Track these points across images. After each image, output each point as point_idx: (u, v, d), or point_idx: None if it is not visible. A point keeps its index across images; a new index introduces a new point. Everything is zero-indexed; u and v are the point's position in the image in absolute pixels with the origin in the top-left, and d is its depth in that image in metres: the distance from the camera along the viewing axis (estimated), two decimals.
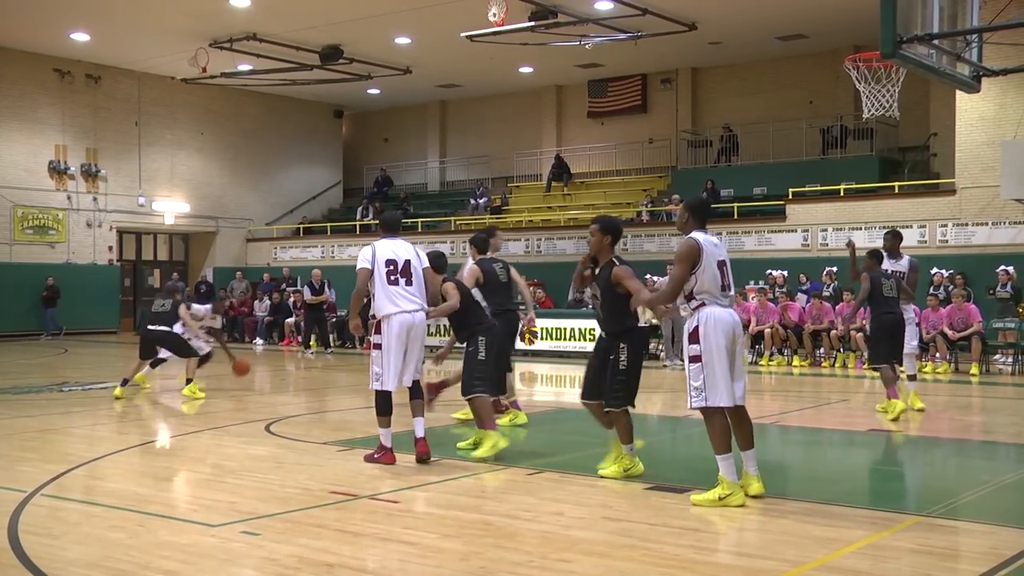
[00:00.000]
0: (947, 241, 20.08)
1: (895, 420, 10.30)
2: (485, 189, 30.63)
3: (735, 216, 23.46)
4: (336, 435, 9.66)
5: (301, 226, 31.90)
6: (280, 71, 27.17)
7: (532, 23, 21.65)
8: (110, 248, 29.15)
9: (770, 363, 18.42)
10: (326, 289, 23.29)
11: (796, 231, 22.09)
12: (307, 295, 22.82)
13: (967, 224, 20.05)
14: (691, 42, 24.94)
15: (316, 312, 22.84)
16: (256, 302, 26.41)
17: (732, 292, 6.71)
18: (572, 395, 12.53)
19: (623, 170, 29.98)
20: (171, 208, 30.26)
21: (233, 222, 31.69)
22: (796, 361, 18.16)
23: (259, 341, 25.11)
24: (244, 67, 27.24)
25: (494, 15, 20.53)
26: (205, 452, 8.82)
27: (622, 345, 7.24)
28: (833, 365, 17.42)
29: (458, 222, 28.99)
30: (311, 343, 23.05)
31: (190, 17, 23.35)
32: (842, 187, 22.42)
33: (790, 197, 22.62)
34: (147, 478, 7.74)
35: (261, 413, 11.38)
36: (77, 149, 28.37)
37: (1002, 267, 17.99)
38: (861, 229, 21.20)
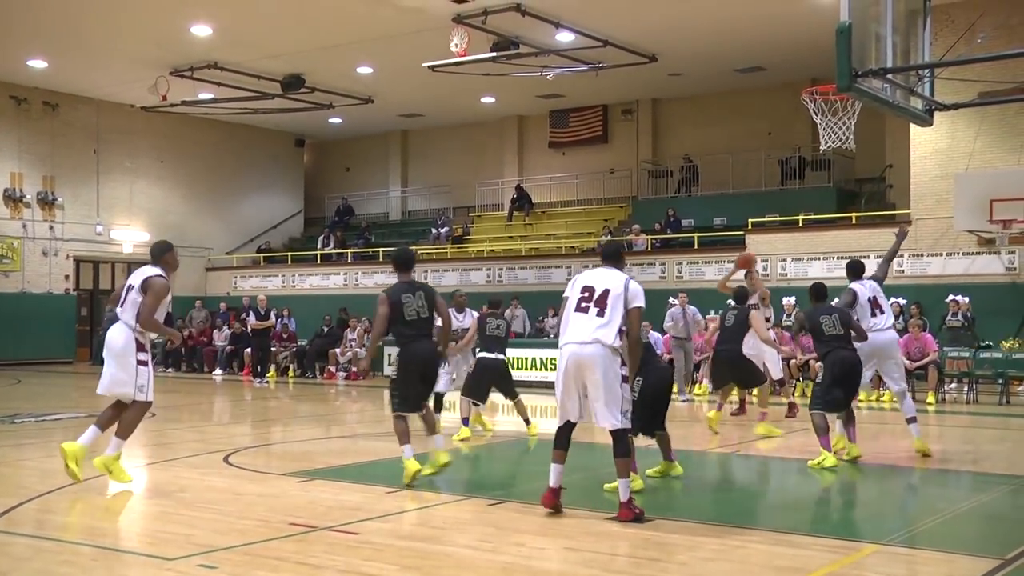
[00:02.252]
0: (903, 271, 20.35)
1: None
2: (447, 218, 30.64)
3: (695, 246, 23.64)
4: (296, 466, 9.57)
5: (261, 255, 31.71)
6: (241, 100, 27.07)
7: (494, 54, 21.77)
8: (66, 277, 28.79)
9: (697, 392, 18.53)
10: (272, 315, 23.18)
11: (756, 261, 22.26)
12: (251, 321, 22.69)
13: (922, 255, 20.35)
14: (651, 74, 25.20)
15: (260, 339, 22.69)
16: (215, 331, 26.20)
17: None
18: (533, 425, 12.51)
19: (584, 200, 30.14)
20: (130, 237, 29.97)
21: (193, 251, 31.41)
22: (755, 390, 18.22)
23: (219, 371, 24.88)
24: (205, 95, 27.11)
25: (456, 45, 20.64)
26: (161, 484, 8.70)
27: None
28: (792, 394, 17.52)
29: (419, 252, 28.92)
30: (269, 372, 22.89)
31: (150, 45, 23.25)
32: (801, 217, 22.68)
33: (750, 227, 22.84)
34: (101, 511, 7.61)
35: (219, 444, 11.26)
36: (33, 177, 28.06)
37: (951, 296, 18.29)
38: (820, 259, 21.45)
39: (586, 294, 7.01)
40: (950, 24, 16.51)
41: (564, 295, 7.24)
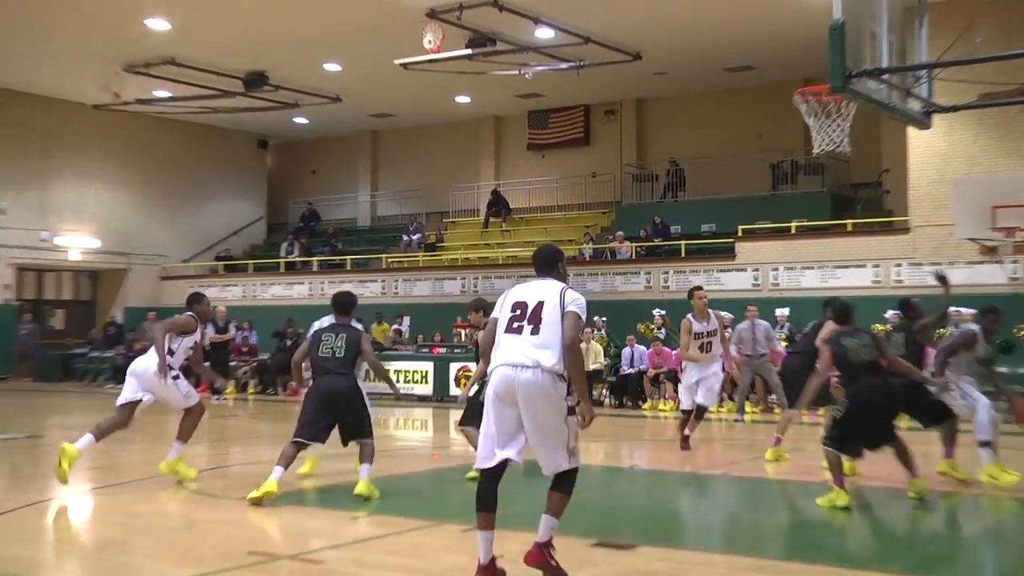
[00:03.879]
0: (901, 281, 20.48)
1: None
2: (419, 225, 30.62)
3: (682, 254, 23.71)
4: (251, 489, 9.48)
5: (221, 263, 31.55)
6: (200, 98, 26.98)
7: (470, 51, 21.78)
8: (6, 286, 28.53)
9: (720, 410, 18.56)
10: (231, 328, 23.06)
11: (746, 270, 22.39)
12: (210, 333, 22.55)
13: (921, 264, 20.46)
14: (636, 72, 25.29)
15: (219, 353, 22.57)
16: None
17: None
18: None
19: (565, 205, 30.18)
20: (78, 243, 29.76)
21: (146, 258, 31.24)
22: (748, 408, 18.32)
23: None
24: (161, 94, 27.00)
25: (429, 42, 20.63)
26: (109, 510, 8.62)
27: None
28: (766, 411, 17.60)
29: (390, 260, 28.90)
30: (227, 389, 22.77)
31: (103, 40, 23.13)
32: (793, 224, 22.80)
33: (740, 235, 22.93)
34: (42, 542, 7.52)
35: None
36: None
37: (953, 308, 18.36)
38: (813, 268, 21.57)
39: (517, 311, 6.09)
40: (948, 23, 16.62)
41: (491, 315, 6.32)
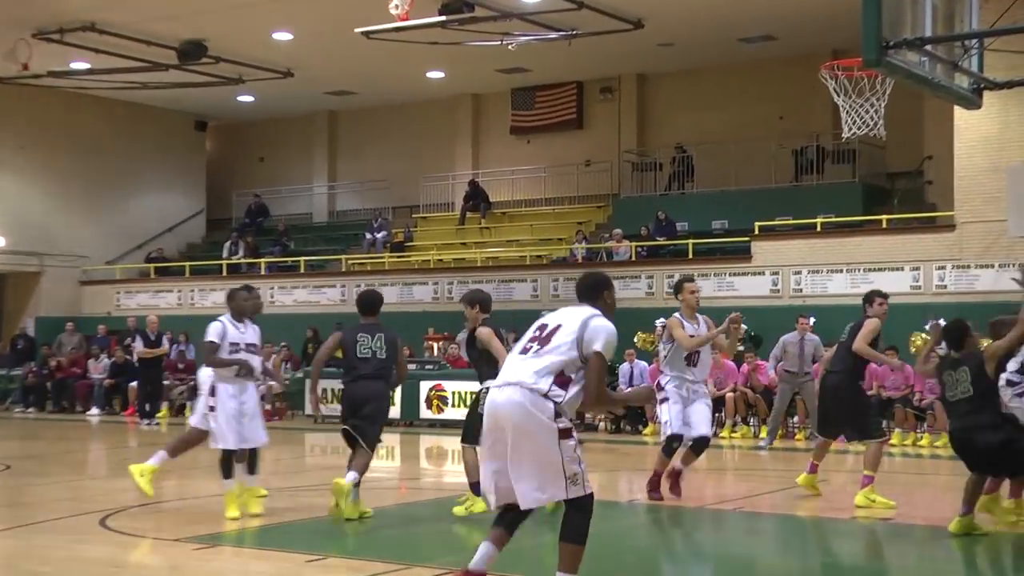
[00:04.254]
0: (945, 286, 20.53)
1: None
2: (384, 221, 30.54)
3: (690, 255, 23.72)
4: (194, 529, 9.45)
5: (152, 266, 31.42)
6: (126, 71, 26.84)
7: (443, 17, 21.74)
8: None
9: (732, 435, 18.59)
10: (164, 341, 22.97)
11: (764, 273, 22.41)
12: (139, 347, 22.48)
13: (969, 266, 20.53)
14: (637, 43, 25.28)
15: (150, 370, 22.46)
16: (91, 361, 25.91)
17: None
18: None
19: (554, 199, 30.17)
20: None
21: (63, 260, 31.05)
22: (764, 432, 18.35)
23: (95, 411, 24.59)
24: (80, 65, 26.84)
25: (396, 7, 20.55)
26: (17, 555, 8.54)
27: None
28: (809, 437, 17.64)
29: (350, 261, 28.81)
30: (160, 411, 22.66)
31: None
32: (819, 220, 22.83)
33: (756, 233, 22.95)
34: None
35: (96, 502, 11.07)
36: None
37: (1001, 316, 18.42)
38: (842, 272, 21.61)
39: (538, 333, 6.46)
40: None
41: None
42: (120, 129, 32.29)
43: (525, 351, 6.37)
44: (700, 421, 10.98)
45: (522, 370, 6.25)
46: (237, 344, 10.26)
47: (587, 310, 6.49)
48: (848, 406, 10.84)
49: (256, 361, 10.38)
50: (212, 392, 10.13)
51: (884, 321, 10.98)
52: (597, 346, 6.26)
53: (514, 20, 22.80)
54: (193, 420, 11.00)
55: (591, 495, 6.21)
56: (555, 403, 6.14)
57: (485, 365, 9.62)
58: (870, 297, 11.09)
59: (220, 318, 10.44)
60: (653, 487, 11.06)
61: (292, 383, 23.20)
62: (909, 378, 17.81)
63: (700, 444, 11.04)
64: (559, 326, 6.39)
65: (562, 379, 6.24)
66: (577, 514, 6.16)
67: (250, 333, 10.44)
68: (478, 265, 26.65)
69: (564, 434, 6.10)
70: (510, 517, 6.37)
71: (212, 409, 10.10)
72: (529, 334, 6.51)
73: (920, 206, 24.03)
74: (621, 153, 29.53)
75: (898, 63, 9.17)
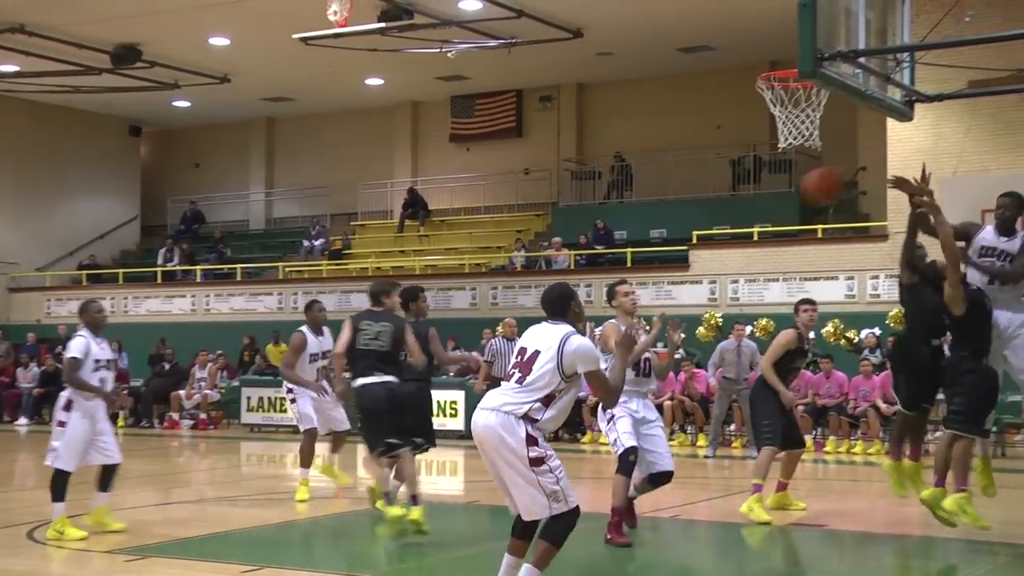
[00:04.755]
0: (879, 295, 20.79)
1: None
2: (322, 228, 30.43)
3: (628, 264, 23.85)
4: (125, 540, 9.38)
5: (84, 272, 31.04)
6: (58, 75, 26.54)
7: (382, 24, 21.72)
8: None
9: (670, 443, 18.65)
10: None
11: (702, 282, 22.59)
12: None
13: None
14: (576, 52, 25.41)
15: None
16: (20, 370, 25.56)
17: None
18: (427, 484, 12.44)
19: (493, 206, 30.20)
20: None
21: None
22: (702, 441, 18.47)
23: (24, 420, 24.24)
24: (7, 68, 26.49)
25: (335, 13, 20.50)
26: None
27: None
28: (746, 445, 17.79)
29: (288, 269, 28.65)
30: None
31: None
32: (756, 230, 23.06)
33: (695, 241, 23.14)
34: None
35: (22, 514, 10.93)
36: None
37: None
38: (779, 280, 21.84)
39: (518, 359, 6.71)
40: None
41: None
42: (51, 134, 31.89)
43: (509, 377, 6.67)
44: (664, 453, 9.77)
45: (503, 397, 6.58)
46: (100, 360, 9.85)
47: (559, 330, 6.67)
48: (753, 413, 11.23)
49: (110, 377, 10.04)
50: (67, 407, 9.64)
51: (811, 328, 11.08)
52: (582, 369, 6.55)
53: (453, 28, 22.83)
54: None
55: (575, 509, 6.53)
56: (531, 425, 6.47)
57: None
58: (797, 306, 11.18)
59: (80, 333, 9.88)
60: (616, 531, 9.34)
61: (227, 392, 23.06)
62: (843, 386, 18.03)
63: (662, 479, 9.82)
64: (536, 352, 6.61)
65: (545, 399, 6.56)
66: (561, 520, 6.50)
67: (107, 348, 10.09)
68: (417, 273, 26.60)
69: (535, 462, 6.42)
70: (523, 525, 6.69)
71: (62, 425, 9.63)
72: (513, 358, 6.77)
73: (855, 217, 24.34)
74: (560, 162, 29.65)
75: (833, 75, 9.28)
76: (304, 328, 11.72)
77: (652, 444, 9.63)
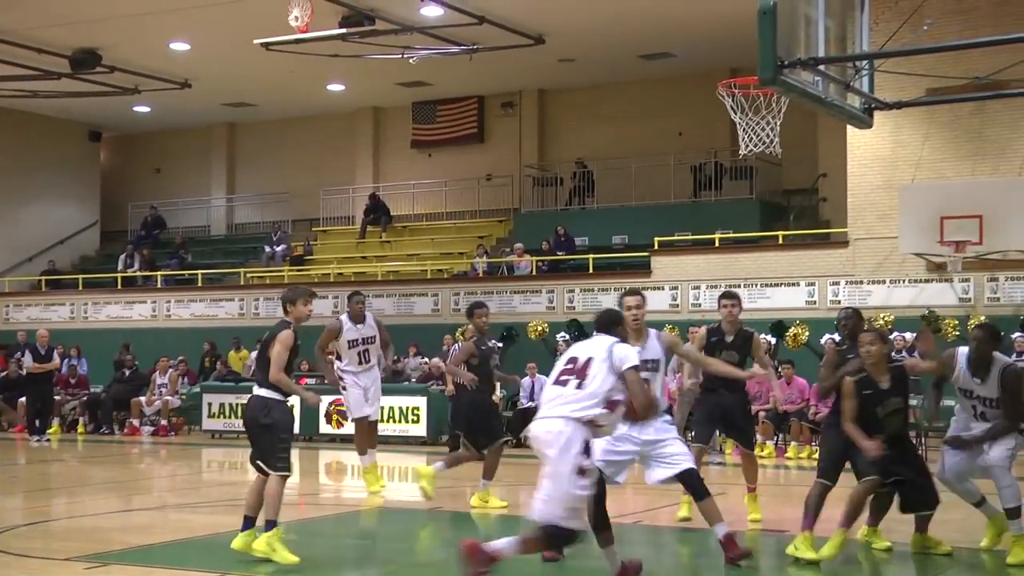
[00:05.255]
0: (839, 301, 20.92)
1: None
2: (283, 234, 30.35)
3: (590, 270, 23.91)
4: (85, 548, 9.31)
5: (43, 278, 30.81)
6: (16, 79, 26.33)
7: (344, 30, 21.70)
8: None
9: None
10: (55, 355, 22.51)
11: (663, 288, 22.67)
12: (28, 362, 22.02)
13: (862, 282, 21.00)
14: (538, 59, 25.48)
15: (39, 385, 22.02)
16: None
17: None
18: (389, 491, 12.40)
19: (455, 212, 30.23)
20: None
21: None
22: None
23: None
24: None
25: (296, 19, 20.48)
26: None
27: None
28: (720, 450, 17.85)
29: (249, 275, 28.53)
30: (51, 428, 22.20)
31: None
32: (717, 236, 23.19)
33: (656, 248, 23.24)
34: None
35: None
36: None
37: (896, 333, 18.87)
38: (740, 286, 21.90)
39: (570, 366, 7.25)
40: (893, 6, 17.16)
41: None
42: (9, 139, 31.64)
43: (563, 383, 7.15)
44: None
45: (567, 404, 7.04)
46: None
47: (607, 339, 7.40)
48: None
49: None
50: None
51: (733, 322, 10.97)
52: (628, 364, 7.16)
53: (415, 34, 22.83)
54: None
55: (582, 531, 7.04)
56: (590, 432, 7.01)
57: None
58: (718, 300, 11.29)
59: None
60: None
61: (188, 398, 22.93)
62: (804, 392, 18.13)
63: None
64: (590, 359, 7.21)
65: (610, 404, 7.10)
66: (563, 534, 6.93)
67: None
68: (379, 279, 26.57)
69: (581, 473, 6.86)
70: (597, 518, 7.67)
71: None
72: (561, 367, 7.29)
73: (815, 223, 24.53)
74: (522, 168, 29.70)
75: (793, 82, 9.35)
76: (343, 317, 13.16)
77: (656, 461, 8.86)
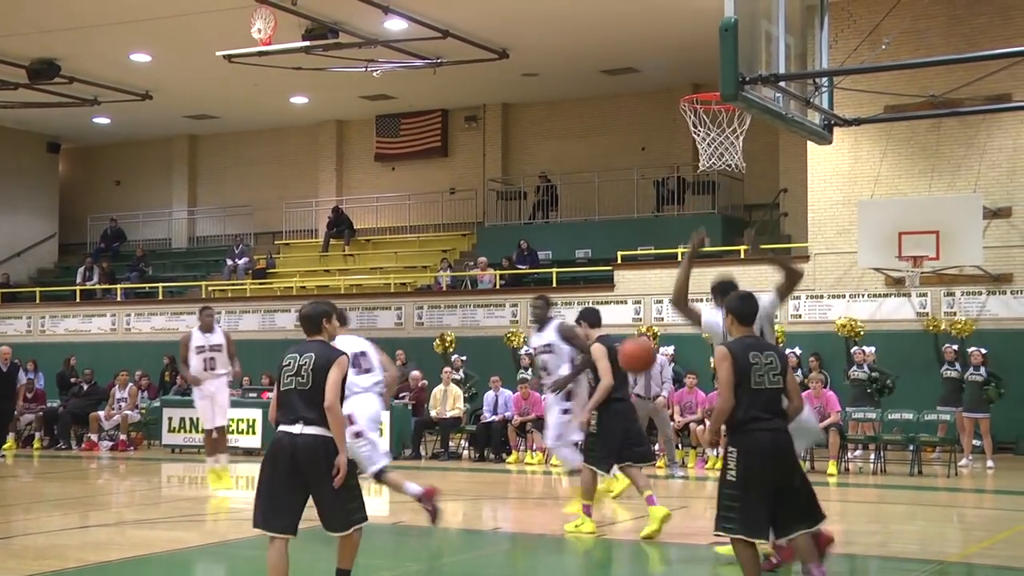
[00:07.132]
0: (800, 316, 21.10)
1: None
2: (246, 247, 30.23)
3: (554, 284, 23.96)
4: (39, 565, 9.25)
5: (0, 291, 30.55)
6: None
7: (307, 43, 21.67)
8: None
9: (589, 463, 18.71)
10: (21, 373, 22.22)
11: (626, 302, 22.75)
12: None
13: (822, 296, 21.16)
14: (502, 73, 25.56)
15: (1, 401, 21.74)
16: None
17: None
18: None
19: (418, 226, 30.23)
20: None
21: None
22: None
23: None
24: None
25: (259, 31, 20.45)
26: None
27: None
28: (668, 465, 17.87)
29: (210, 288, 28.39)
30: (6, 443, 21.95)
31: None
32: (680, 250, 23.25)
33: (619, 262, 23.32)
34: None
35: None
36: None
37: (855, 348, 18.98)
38: (702, 300, 21.96)
39: None
40: (852, 25, 17.35)
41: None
42: None
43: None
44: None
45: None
46: None
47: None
48: None
49: None
50: None
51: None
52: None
53: (379, 47, 22.85)
54: None
55: None
56: None
57: None
58: None
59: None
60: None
61: (148, 412, 22.74)
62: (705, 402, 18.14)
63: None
64: None
65: None
66: None
67: None
68: (342, 292, 26.49)
69: None
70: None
71: None
72: None
73: (776, 237, 24.68)
74: (486, 181, 29.76)
75: (754, 98, 9.43)
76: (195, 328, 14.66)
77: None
